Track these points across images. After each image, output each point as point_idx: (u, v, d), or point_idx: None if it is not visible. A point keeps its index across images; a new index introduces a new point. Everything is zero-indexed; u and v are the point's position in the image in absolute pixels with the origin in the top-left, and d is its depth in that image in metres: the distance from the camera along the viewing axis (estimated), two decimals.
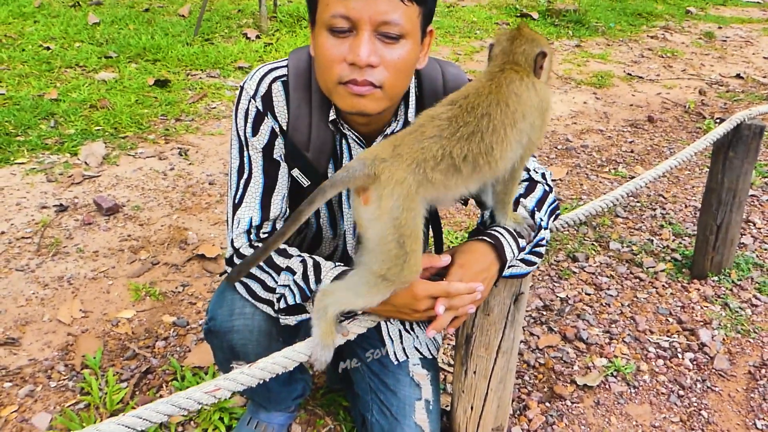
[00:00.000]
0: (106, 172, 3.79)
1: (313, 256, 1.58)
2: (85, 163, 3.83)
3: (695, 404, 2.40)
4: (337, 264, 1.55)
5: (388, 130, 1.64)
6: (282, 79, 1.60)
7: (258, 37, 6.32)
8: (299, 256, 1.58)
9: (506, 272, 1.65)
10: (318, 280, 1.51)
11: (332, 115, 1.61)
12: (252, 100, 1.59)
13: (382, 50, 1.42)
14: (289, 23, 6.76)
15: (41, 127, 4.18)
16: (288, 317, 1.57)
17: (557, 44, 7.30)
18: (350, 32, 1.41)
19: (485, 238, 1.56)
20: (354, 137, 1.64)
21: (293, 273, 1.54)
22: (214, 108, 4.76)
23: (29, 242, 3.12)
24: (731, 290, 3.03)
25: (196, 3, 7.20)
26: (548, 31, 7.71)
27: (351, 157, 1.68)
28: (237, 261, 1.62)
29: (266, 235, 1.63)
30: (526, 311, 2.84)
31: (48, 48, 5.49)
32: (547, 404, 2.37)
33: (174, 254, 3.14)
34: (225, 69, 5.49)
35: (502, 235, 1.57)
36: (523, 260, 1.70)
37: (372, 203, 1.35)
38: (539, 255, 1.73)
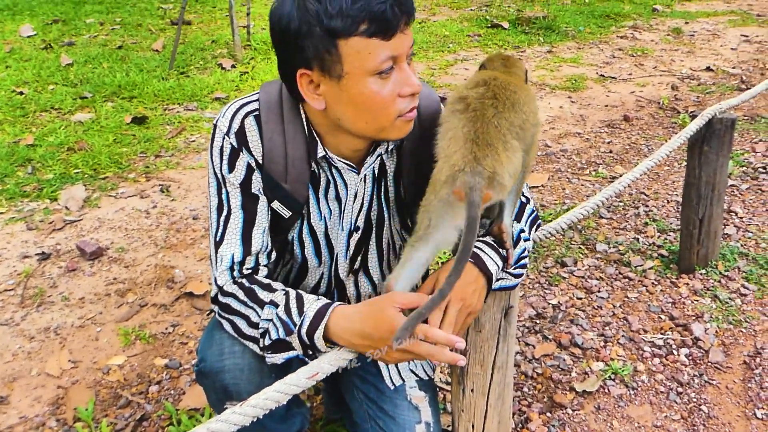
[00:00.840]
0: (88, 215, 3.76)
1: (297, 290, 1.57)
2: (66, 207, 3.80)
3: (695, 400, 2.40)
4: (319, 297, 1.54)
5: (380, 150, 1.65)
6: (254, 114, 1.60)
7: (233, 66, 6.33)
8: (283, 289, 1.57)
9: (495, 285, 1.65)
10: (300, 313, 1.50)
11: (321, 152, 1.61)
12: (226, 136, 1.59)
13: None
14: (263, 50, 6.78)
15: (18, 174, 4.15)
16: (274, 355, 1.56)
17: (529, 51, 7.37)
18: (392, 69, 1.45)
19: None
20: (344, 164, 1.65)
21: (276, 306, 1.53)
22: (194, 141, 4.75)
23: (12, 294, 3.08)
24: (719, 282, 3.05)
25: (169, 37, 7.21)
26: (519, 39, 7.79)
27: (344, 182, 1.68)
28: (221, 299, 1.61)
29: (249, 270, 1.62)
30: (520, 321, 2.84)
31: (21, 93, 5.47)
32: (548, 414, 2.36)
33: (162, 294, 3.11)
34: (202, 101, 5.49)
35: (480, 249, 1.57)
36: (510, 272, 1.70)
37: (495, 195, 1.44)
38: (523, 266, 1.73)
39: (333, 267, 1.80)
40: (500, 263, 1.60)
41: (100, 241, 3.49)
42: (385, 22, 1.38)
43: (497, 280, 1.64)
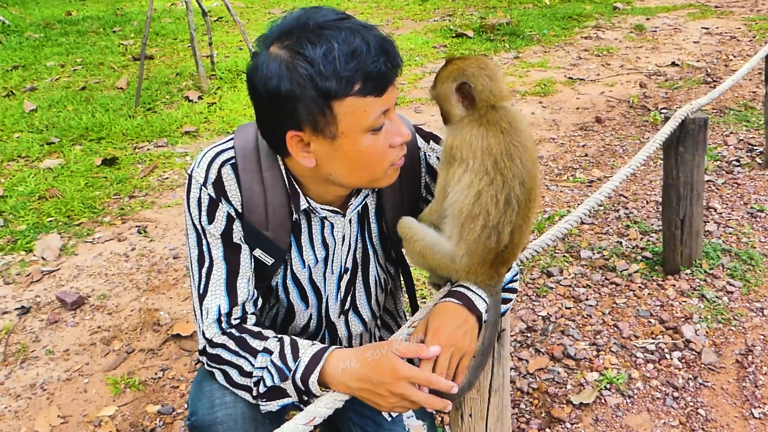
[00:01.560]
0: (66, 263, 3.69)
1: (291, 336, 1.55)
2: (42, 258, 3.73)
3: (691, 404, 2.41)
4: (314, 342, 1.52)
5: (367, 191, 1.65)
6: (230, 162, 1.57)
7: (200, 98, 6.29)
8: (275, 336, 1.55)
9: (485, 318, 1.64)
10: (296, 358, 1.48)
11: (304, 204, 1.59)
12: (203, 188, 1.55)
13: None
14: (229, 79, 6.75)
15: None
16: (269, 403, 1.53)
17: (496, 59, 7.42)
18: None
19: (453, 300, 1.55)
20: (330, 211, 1.63)
21: (270, 353, 1.51)
22: (167, 178, 4.70)
23: None
24: (705, 280, 3.07)
25: (132, 73, 7.15)
26: (485, 47, 7.85)
27: (332, 228, 1.66)
28: (210, 350, 1.58)
29: (237, 320, 1.60)
30: (511, 336, 2.83)
31: None
32: (548, 430, 2.35)
33: (148, 338, 3.05)
34: (172, 136, 5.44)
35: (468, 289, 1.57)
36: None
37: None
38: (513, 291, 1.73)
39: (323, 309, 1.78)
40: (489, 299, 1.60)
41: (80, 290, 3.43)
42: (380, 79, 1.37)
43: (487, 311, 1.63)
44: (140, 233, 3.96)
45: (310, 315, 1.79)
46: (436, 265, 1.60)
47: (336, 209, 1.64)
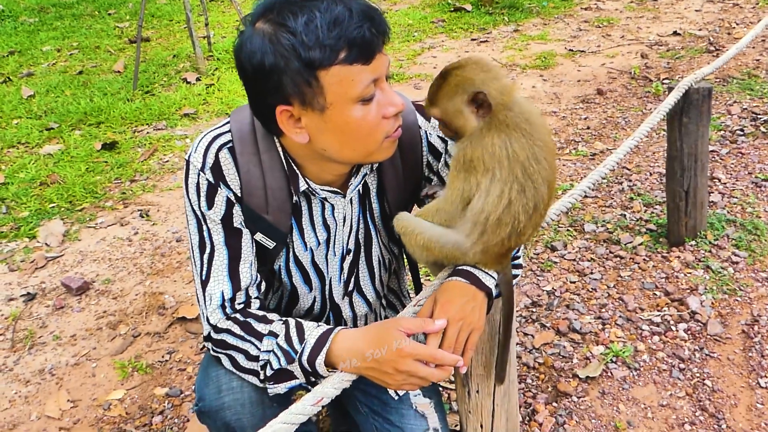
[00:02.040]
0: (69, 249, 3.69)
1: (296, 318, 1.55)
2: (46, 244, 3.73)
3: (698, 375, 2.41)
4: (320, 324, 1.52)
5: (365, 170, 1.63)
6: (228, 146, 1.55)
7: (198, 79, 6.25)
8: (280, 319, 1.55)
9: (495, 292, 1.64)
10: (301, 340, 1.48)
11: (303, 185, 1.57)
12: (201, 173, 1.54)
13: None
14: (226, 59, 6.70)
15: None
16: (276, 385, 1.53)
17: (495, 32, 7.35)
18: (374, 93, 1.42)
19: (459, 278, 1.55)
20: (329, 192, 1.62)
21: (276, 336, 1.51)
22: (167, 161, 4.68)
23: (2, 340, 3.02)
24: (710, 251, 3.06)
25: (129, 56, 7.09)
26: (484, 21, 7.76)
27: (333, 209, 1.65)
28: (216, 336, 1.57)
29: (241, 305, 1.59)
30: (516, 312, 2.82)
31: None
32: (554, 404, 2.36)
33: (154, 322, 3.06)
34: (171, 119, 5.40)
35: (475, 267, 1.56)
36: None
37: None
38: (519, 266, 1.73)
39: (326, 291, 1.77)
40: (495, 275, 1.59)
41: (84, 275, 3.43)
42: (364, 45, 1.34)
43: (496, 286, 1.62)
44: (142, 217, 3.96)
45: (314, 298, 1.79)
46: (442, 256, 1.58)
47: (336, 190, 1.62)
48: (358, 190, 1.67)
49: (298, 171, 1.56)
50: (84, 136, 5.13)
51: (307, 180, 1.58)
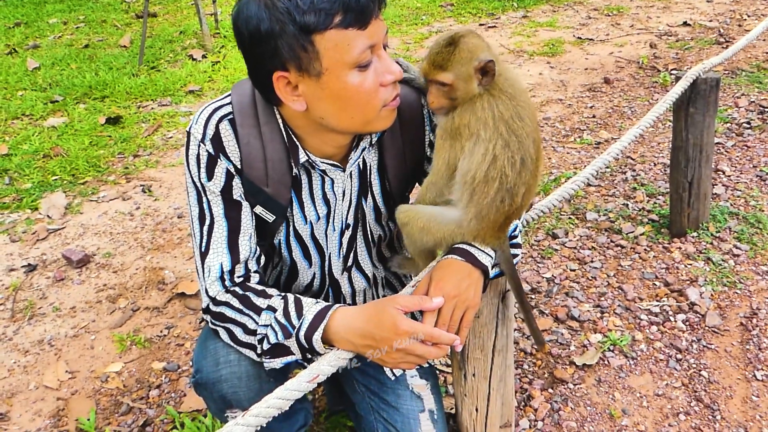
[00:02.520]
0: (71, 222, 3.70)
1: (295, 294, 1.55)
2: (48, 216, 3.73)
3: (694, 366, 2.41)
4: (318, 300, 1.52)
5: (364, 143, 1.63)
6: (228, 118, 1.55)
7: (204, 56, 6.22)
8: (279, 294, 1.55)
9: (493, 272, 1.64)
10: (299, 316, 1.48)
11: (303, 157, 1.56)
12: (201, 144, 1.53)
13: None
14: (233, 37, 6.65)
15: None
16: (273, 360, 1.53)
17: (504, 18, 7.30)
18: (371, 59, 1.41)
19: (455, 256, 1.55)
20: (328, 165, 1.61)
21: (274, 311, 1.51)
22: (171, 138, 4.67)
23: (2, 309, 3.03)
24: (712, 243, 3.05)
25: (135, 31, 7.06)
26: (493, 6, 7.70)
27: (333, 183, 1.64)
28: (214, 308, 1.58)
29: (240, 278, 1.59)
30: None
31: None
32: (550, 390, 2.37)
33: (153, 297, 3.07)
34: (176, 95, 5.39)
35: (471, 245, 1.56)
36: None
37: None
38: (518, 246, 1.72)
39: (325, 266, 1.78)
40: (492, 253, 1.59)
41: (85, 248, 3.44)
42: (360, 10, 1.33)
43: (494, 266, 1.62)
44: (145, 192, 3.96)
45: (314, 273, 1.79)
46: (441, 236, 1.59)
47: (336, 163, 1.62)
48: (358, 165, 1.67)
49: (298, 143, 1.56)
50: (88, 110, 5.12)
51: (307, 152, 1.57)
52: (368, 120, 1.47)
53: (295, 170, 1.60)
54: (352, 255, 1.78)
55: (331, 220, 1.70)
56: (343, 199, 1.68)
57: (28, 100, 5.28)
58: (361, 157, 1.66)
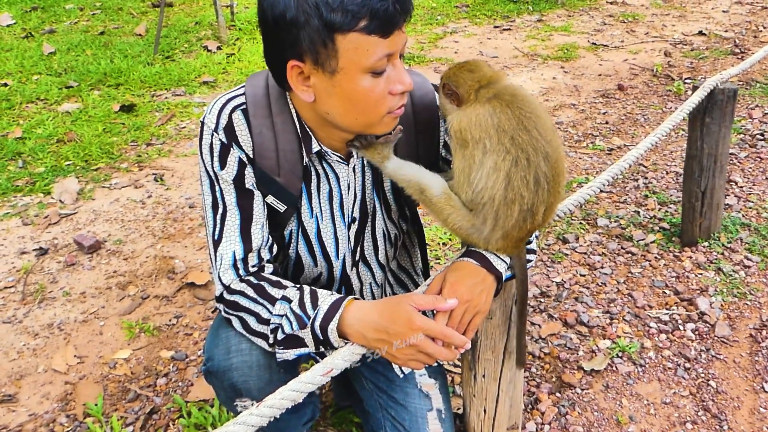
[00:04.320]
0: (83, 207, 3.71)
1: (311, 286, 1.56)
2: (60, 201, 3.74)
3: (702, 375, 2.41)
4: (332, 292, 1.53)
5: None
6: (241, 108, 1.57)
7: (219, 48, 6.23)
8: (294, 285, 1.56)
9: (506, 275, 1.64)
10: (315, 306, 1.49)
11: (316, 147, 1.58)
12: (214, 133, 1.56)
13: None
14: (248, 30, 6.67)
15: (9, 168, 4.08)
16: (286, 351, 1.54)
17: (519, 21, 7.29)
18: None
19: (471, 260, 1.56)
20: (337, 157, 1.63)
21: (289, 301, 1.52)
22: (184, 128, 4.68)
23: (13, 291, 3.05)
24: (723, 254, 3.05)
25: (151, 20, 7.08)
26: (508, 8, 7.69)
27: (336, 175, 1.66)
28: (228, 297, 1.59)
29: (255, 268, 1.60)
30: None
31: (5, 84, 5.36)
32: (558, 394, 2.37)
33: (163, 285, 3.08)
34: (190, 86, 5.40)
35: (487, 250, 1.57)
36: None
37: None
38: (533, 251, 1.73)
39: (333, 266, 1.78)
40: (507, 259, 1.60)
41: (97, 234, 3.45)
42: (386, 19, 1.34)
43: (508, 268, 1.63)
44: (157, 181, 3.97)
45: (320, 272, 1.80)
46: (464, 237, 1.60)
47: (342, 157, 1.64)
48: (362, 159, 1.68)
49: (311, 133, 1.58)
50: (102, 97, 5.13)
51: (320, 143, 1.59)
52: (371, 123, 1.49)
53: (306, 160, 1.61)
54: (359, 250, 1.79)
55: (339, 213, 1.71)
56: (348, 193, 1.69)
57: (43, 85, 5.30)
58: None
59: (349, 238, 1.75)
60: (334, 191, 1.68)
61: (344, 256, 1.77)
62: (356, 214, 1.73)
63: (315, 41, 1.36)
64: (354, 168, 1.67)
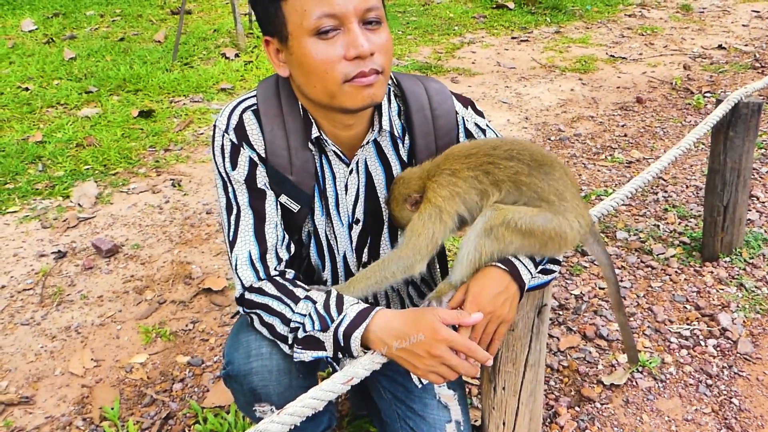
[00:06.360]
0: (101, 212, 3.73)
1: (338, 291, 1.55)
2: (79, 205, 3.77)
3: (725, 392, 2.37)
4: (358, 301, 1.52)
5: (369, 137, 1.63)
6: (252, 108, 1.59)
7: (237, 55, 6.27)
8: (320, 288, 1.56)
9: (530, 284, 1.63)
10: (340, 311, 1.48)
11: (315, 133, 1.58)
12: (225, 134, 1.57)
13: (372, 37, 1.44)
14: None
15: (29, 172, 4.12)
16: (304, 351, 1.53)
17: (536, 32, 7.28)
18: (336, 30, 1.41)
19: (499, 264, 1.54)
20: (336, 151, 1.63)
21: (314, 302, 1.51)
22: (202, 134, 4.71)
23: (31, 294, 3.06)
24: (745, 269, 3.01)
25: (170, 27, 7.14)
26: (526, 20, 7.69)
27: (333, 174, 1.66)
28: (248, 296, 1.58)
29: (277, 272, 1.59)
30: None
31: (27, 89, 5.41)
32: (577, 408, 2.34)
33: (180, 291, 3.09)
34: (208, 92, 5.43)
35: (516, 258, 1.55)
36: (542, 270, 1.68)
37: None
38: (557, 262, 1.71)
39: (338, 266, 1.78)
40: (533, 269, 1.58)
41: (114, 238, 3.47)
42: None
43: (532, 278, 1.61)
44: (174, 186, 3.98)
45: (331, 269, 1.79)
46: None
47: (342, 152, 1.63)
48: (366, 161, 1.68)
49: (313, 120, 1.58)
50: (122, 102, 5.17)
51: (321, 130, 1.59)
52: (331, 93, 1.46)
53: (314, 151, 1.61)
54: (367, 250, 1.78)
55: (332, 211, 1.71)
56: (346, 194, 1.69)
57: (63, 90, 5.35)
58: (370, 155, 1.67)
59: (351, 239, 1.74)
60: (330, 190, 1.68)
61: (344, 256, 1.76)
62: (359, 216, 1.72)
63: (269, 12, 1.43)
64: (353, 168, 1.67)
